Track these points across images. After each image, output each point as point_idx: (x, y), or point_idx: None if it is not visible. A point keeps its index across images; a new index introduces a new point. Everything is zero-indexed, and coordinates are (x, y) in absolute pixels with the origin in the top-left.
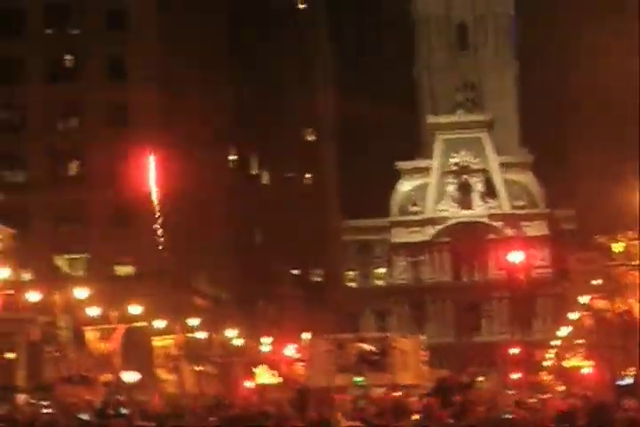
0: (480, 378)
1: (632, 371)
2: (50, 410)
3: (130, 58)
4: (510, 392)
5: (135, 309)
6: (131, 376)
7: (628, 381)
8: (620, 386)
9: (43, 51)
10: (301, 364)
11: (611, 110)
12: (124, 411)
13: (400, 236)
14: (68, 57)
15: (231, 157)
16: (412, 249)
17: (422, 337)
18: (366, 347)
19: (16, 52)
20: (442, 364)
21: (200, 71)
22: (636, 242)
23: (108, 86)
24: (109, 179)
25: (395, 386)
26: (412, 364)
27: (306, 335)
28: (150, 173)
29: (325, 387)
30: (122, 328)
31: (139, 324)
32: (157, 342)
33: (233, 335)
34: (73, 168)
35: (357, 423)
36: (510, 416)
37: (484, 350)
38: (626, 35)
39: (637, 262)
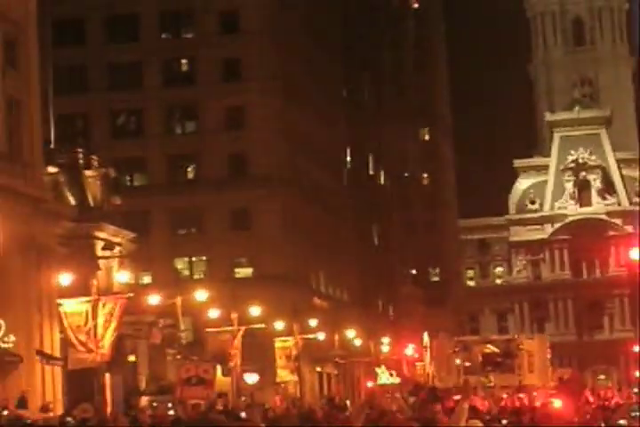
0: (602, 376)
1: None
2: (173, 412)
3: (245, 60)
4: (635, 390)
5: (255, 310)
6: (251, 378)
7: None
8: None
9: (158, 55)
10: (421, 364)
11: None
12: (242, 414)
13: (518, 234)
14: (183, 61)
15: (348, 158)
16: (531, 247)
17: (547, 337)
18: (493, 349)
19: (133, 56)
20: (563, 362)
21: (316, 72)
22: None
23: (224, 90)
24: (227, 182)
25: (520, 387)
26: (537, 365)
27: (425, 335)
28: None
29: (452, 387)
30: (242, 330)
31: (258, 325)
32: (277, 343)
33: (352, 336)
34: (191, 172)
35: (479, 424)
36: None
37: (605, 348)
38: None
39: None
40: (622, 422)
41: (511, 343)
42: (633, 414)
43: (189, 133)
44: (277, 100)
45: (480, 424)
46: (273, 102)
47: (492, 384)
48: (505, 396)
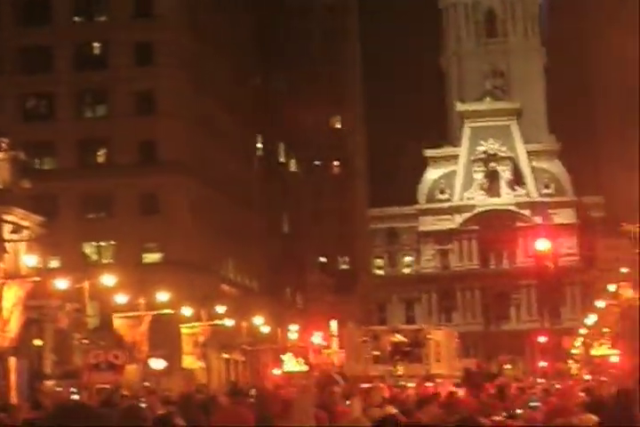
0: (507, 366)
1: None
2: (77, 396)
3: (157, 45)
4: (539, 380)
5: (163, 296)
6: (158, 363)
7: None
8: None
9: (70, 38)
10: (328, 351)
11: (636, 98)
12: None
13: (428, 224)
14: (95, 44)
15: (259, 145)
16: (440, 237)
17: (455, 328)
18: (401, 338)
19: (44, 39)
20: (470, 352)
21: (228, 58)
22: None
23: (135, 74)
24: (136, 167)
25: (428, 377)
26: (445, 355)
27: (333, 323)
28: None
29: (361, 376)
30: (149, 316)
31: (166, 311)
32: (184, 329)
33: (260, 323)
34: (101, 156)
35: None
36: (538, 404)
37: (512, 338)
38: None
39: None
40: (519, 411)
41: (419, 333)
42: (532, 404)
43: (100, 118)
44: (188, 86)
45: (394, 410)
46: (183, 88)
47: (400, 374)
48: (412, 385)
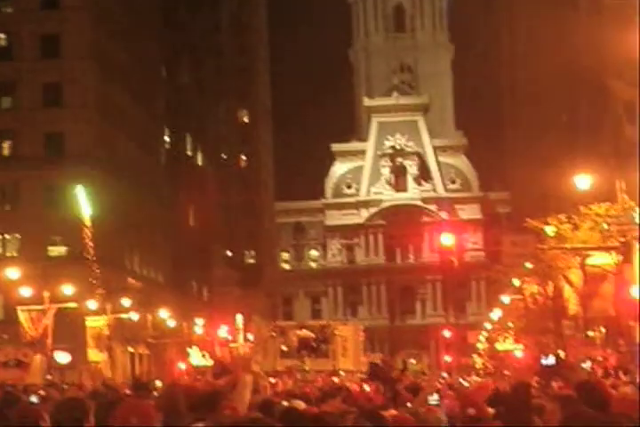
0: (412, 360)
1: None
2: None
3: (64, 37)
4: (443, 375)
5: (67, 289)
6: (62, 357)
7: (551, 361)
8: (544, 367)
9: None
10: (234, 345)
11: (544, 95)
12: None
13: (334, 218)
14: (2, 36)
15: (166, 138)
16: (346, 231)
17: (360, 324)
18: (308, 333)
19: None
20: (375, 346)
21: (135, 51)
22: (568, 226)
23: (42, 66)
24: (43, 159)
25: (335, 371)
26: (351, 350)
27: (239, 317)
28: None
29: (269, 371)
30: (53, 309)
31: (71, 304)
32: (90, 322)
33: (166, 316)
34: (6, 148)
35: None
36: (437, 402)
37: (417, 332)
38: (559, 20)
39: (569, 246)
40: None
41: (326, 329)
42: (432, 402)
43: (6, 110)
44: (95, 78)
45: (303, 405)
46: (90, 80)
47: (306, 368)
48: (319, 380)
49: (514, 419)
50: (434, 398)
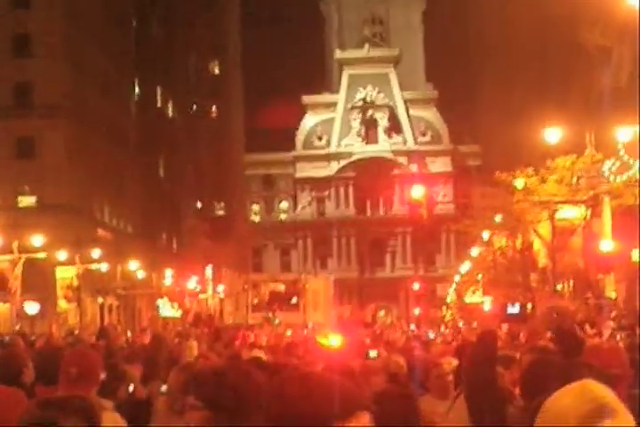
0: (382, 313)
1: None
2: None
3: None
4: (411, 327)
5: (37, 239)
6: (31, 307)
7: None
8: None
9: None
10: (203, 296)
11: (515, 47)
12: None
13: (304, 170)
14: None
15: (136, 90)
16: (317, 184)
17: (331, 277)
18: (279, 287)
19: None
20: (345, 299)
21: (105, 2)
22: (535, 178)
23: (10, 17)
24: (12, 109)
25: (305, 324)
26: (322, 303)
27: (209, 268)
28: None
29: (240, 323)
30: (22, 259)
31: (40, 255)
32: (59, 273)
33: (135, 267)
34: None
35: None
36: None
37: (386, 285)
38: None
39: (537, 199)
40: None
41: (298, 283)
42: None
43: None
44: (64, 28)
45: (263, 356)
46: (59, 30)
47: (277, 321)
48: (289, 333)
49: (478, 368)
50: (373, 353)
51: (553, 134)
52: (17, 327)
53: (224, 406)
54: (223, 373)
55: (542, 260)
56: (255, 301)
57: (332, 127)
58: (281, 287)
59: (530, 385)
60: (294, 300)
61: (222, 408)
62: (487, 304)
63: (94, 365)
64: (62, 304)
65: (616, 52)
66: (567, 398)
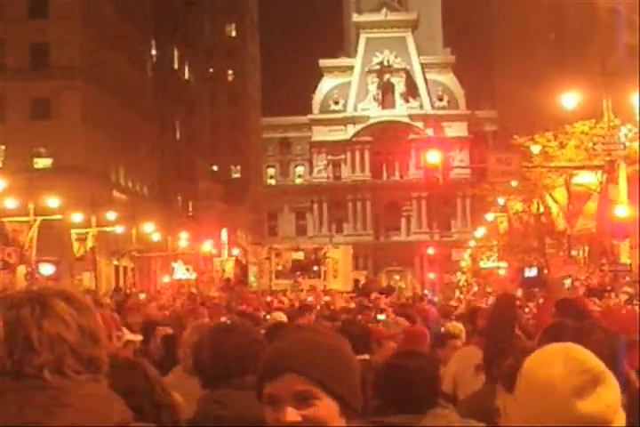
0: (396, 277)
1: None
2: None
3: None
4: (425, 291)
5: (52, 201)
6: (47, 269)
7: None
8: (526, 278)
9: None
10: (218, 259)
11: (532, 12)
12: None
13: (320, 134)
14: None
15: (153, 51)
16: (333, 148)
17: (350, 248)
18: (301, 255)
19: None
20: (360, 262)
21: None
22: (554, 143)
23: None
24: (28, 70)
25: (326, 291)
26: (341, 271)
27: (224, 232)
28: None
29: (265, 289)
30: (38, 220)
31: (55, 217)
32: (74, 235)
33: (150, 230)
34: None
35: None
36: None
37: (402, 249)
38: None
39: (553, 165)
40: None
41: (319, 252)
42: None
43: None
44: None
45: (284, 316)
46: None
47: (300, 288)
48: (310, 298)
49: (497, 331)
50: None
51: (570, 99)
52: (35, 288)
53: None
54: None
55: (561, 223)
56: (279, 268)
57: (348, 91)
58: (302, 255)
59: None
60: (315, 268)
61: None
62: (502, 270)
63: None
64: (78, 266)
65: (629, 18)
66: (553, 368)
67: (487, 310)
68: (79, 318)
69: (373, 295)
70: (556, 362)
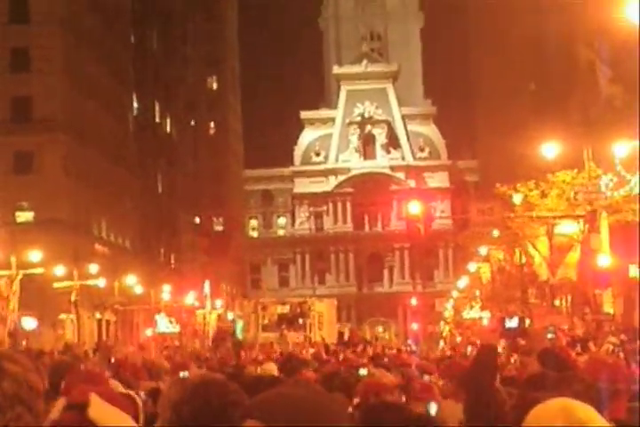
0: (380, 328)
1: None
2: None
3: (33, 3)
4: (408, 342)
5: (34, 255)
6: (29, 323)
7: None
8: (507, 329)
9: None
10: (201, 312)
11: (513, 63)
12: None
13: (302, 186)
14: None
15: (135, 104)
16: (315, 199)
17: (334, 300)
18: (287, 309)
19: None
20: (343, 314)
21: (104, 15)
22: (536, 192)
23: (10, 31)
24: (10, 124)
25: (312, 343)
26: (326, 323)
27: (207, 284)
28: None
29: (253, 342)
30: (20, 274)
31: (37, 270)
32: (57, 288)
33: (133, 283)
34: None
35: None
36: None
37: (385, 300)
38: None
39: (535, 214)
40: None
41: (304, 305)
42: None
43: None
44: (63, 43)
45: (275, 368)
46: (58, 45)
47: (287, 341)
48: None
49: (478, 384)
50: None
51: (551, 149)
52: (24, 343)
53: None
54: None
55: (544, 273)
56: (265, 321)
57: (330, 143)
58: (287, 309)
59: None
60: (300, 321)
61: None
62: (485, 320)
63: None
64: (60, 320)
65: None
66: (550, 421)
67: (468, 362)
68: (26, 376)
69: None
70: (556, 419)
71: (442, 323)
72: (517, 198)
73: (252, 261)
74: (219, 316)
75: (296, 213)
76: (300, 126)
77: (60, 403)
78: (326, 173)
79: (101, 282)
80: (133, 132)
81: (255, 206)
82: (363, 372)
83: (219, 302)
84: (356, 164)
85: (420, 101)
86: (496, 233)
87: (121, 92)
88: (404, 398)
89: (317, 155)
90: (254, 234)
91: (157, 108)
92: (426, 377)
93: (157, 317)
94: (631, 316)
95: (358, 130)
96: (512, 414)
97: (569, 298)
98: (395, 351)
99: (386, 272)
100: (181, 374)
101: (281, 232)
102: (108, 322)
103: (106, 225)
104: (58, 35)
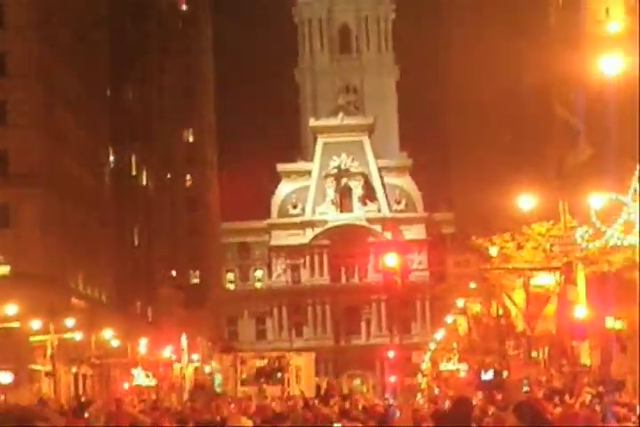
0: (357, 381)
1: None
2: None
3: (10, 56)
4: (386, 395)
5: (11, 309)
6: (5, 377)
7: (490, 375)
8: (483, 382)
9: None
10: (178, 365)
11: (488, 116)
12: None
13: (279, 238)
14: None
15: (111, 158)
16: (292, 252)
17: (312, 354)
18: (265, 363)
19: None
20: (321, 366)
21: (80, 71)
22: (512, 244)
23: None
24: None
25: (289, 397)
26: (304, 377)
27: (184, 337)
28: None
29: (231, 396)
30: None
31: (14, 324)
32: (33, 342)
33: (110, 336)
34: None
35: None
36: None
37: (362, 353)
38: (505, 42)
39: (511, 266)
40: None
41: (282, 359)
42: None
43: None
44: (40, 97)
45: (250, 423)
46: (36, 99)
47: (265, 394)
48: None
49: None
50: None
51: (527, 201)
52: (2, 398)
53: None
54: None
55: (520, 324)
56: (244, 376)
57: (306, 195)
58: (266, 362)
59: None
60: (279, 374)
61: None
62: (462, 372)
63: None
64: (36, 374)
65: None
66: None
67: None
68: None
69: (333, 401)
70: None
71: (419, 375)
72: (494, 251)
73: (229, 314)
74: (196, 369)
75: (273, 265)
76: (276, 179)
77: None
78: (303, 226)
79: (78, 335)
80: (110, 186)
81: (232, 259)
82: (337, 425)
83: (195, 356)
84: (333, 216)
85: (395, 154)
86: (473, 285)
87: (97, 146)
88: None
89: (294, 207)
90: (231, 287)
91: (134, 160)
92: None
93: (134, 370)
94: (608, 367)
95: (335, 182)
96: None
97: (546, 350)
98: (371, 405)
99: (363, 325)
100: None
101: (258, 285)
102: (84, 376)
103: (82, 278)
104: (34, 88)
